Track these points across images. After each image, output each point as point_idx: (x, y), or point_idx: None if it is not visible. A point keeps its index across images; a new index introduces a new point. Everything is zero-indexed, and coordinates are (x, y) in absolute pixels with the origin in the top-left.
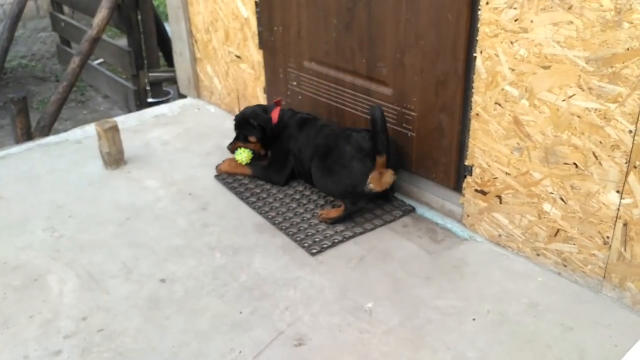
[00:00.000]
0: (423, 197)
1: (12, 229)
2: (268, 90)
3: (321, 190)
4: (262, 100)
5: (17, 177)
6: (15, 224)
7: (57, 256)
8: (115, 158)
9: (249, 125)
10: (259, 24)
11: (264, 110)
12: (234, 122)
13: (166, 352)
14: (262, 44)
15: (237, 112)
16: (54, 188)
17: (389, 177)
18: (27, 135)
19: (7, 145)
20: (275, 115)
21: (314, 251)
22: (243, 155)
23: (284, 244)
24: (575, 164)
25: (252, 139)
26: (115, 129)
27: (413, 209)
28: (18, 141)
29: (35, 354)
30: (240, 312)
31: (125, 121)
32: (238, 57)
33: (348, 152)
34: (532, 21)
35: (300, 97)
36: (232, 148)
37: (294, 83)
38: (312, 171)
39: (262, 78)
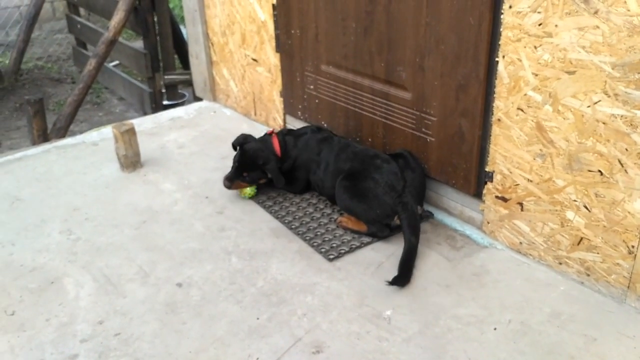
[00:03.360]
0: (442, 203)
1: (29, 231)
2: (284, 93)
3: (346, 211)
4: (278, 103)
5: (34, 178)
6: (32, 226)
7: (73, 259)
8: (131, 161)
9: (257, 166)
10: (276, 27)
11: (262, 142)
12: (234, 160)
13: (183, 358)
14: (279, 47)
15: (253, 116)
16: (71, 190)
17: None
18: (44, 136)
19: (23, 146)
20: (276, 145)
21: (332, 257)
22: (247, 191)
23: (301, 249)
24: (600, 171)
25: (262, 180)
26: (132, 131)
27: (432, 215)
28: (34, 143)
29: (52, 357)
30: (258, 318)
31: (142, 124)
32: (255, 60)
33: (381, 186)
34: (556, 25)
35: (317, 101)
36: (233, 187)
37: (311, 87)
38: (338, 191)
39: (279, 81)
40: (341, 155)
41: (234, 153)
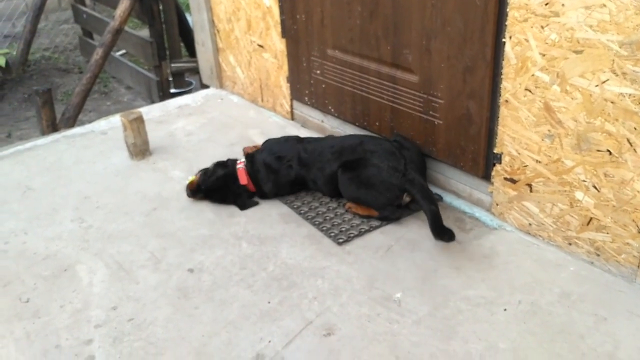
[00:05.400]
0: (450, 185)
1: (41, 220)
2: (291, 79)
3: (355, 202)
4: (284, 89)
5: (45, 168)
6: (44, 215)
7: (86, 246)
8: (140, 149)
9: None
10: (282, 13)
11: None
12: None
13: (196, 342)
14: (285, 33)
15: (260, 102)
16: (81, 179)
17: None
18: (53, 126)
19: (33, 136)
20: (242, 178)
21: (341, 241)
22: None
23: (310, 233)
24: (608, 150)
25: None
26: (140, 120)
27: (440, 198)
28: (44, 133)
29: (67, 343)
30: (269, 302)
31: (150, 112)
32: (261, 46)
33: (384, 170)
34: (563, 5)
35: (324, 86)
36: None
37: (318, 72)
38: (342, 184)
39: (285, 67)
40: (322, 157)
41: (242, 140)
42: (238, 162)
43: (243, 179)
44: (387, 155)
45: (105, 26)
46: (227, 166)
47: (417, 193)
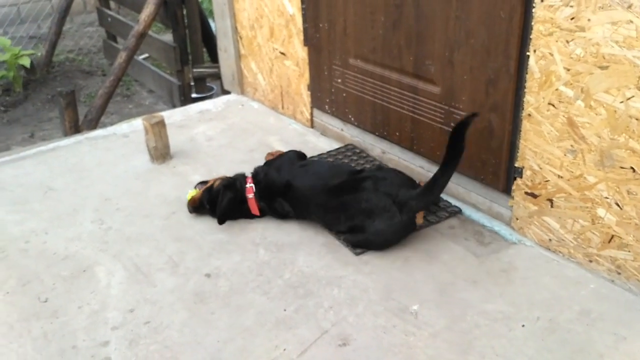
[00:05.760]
0: (470, 198)
1: (62, 220)
2: (312, 87)
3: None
4: (305, 97)
5: (67, 169)
6: (64, 215)
7: (105, 248)
8: (161, 152)
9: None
10: (305, 21)
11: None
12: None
13: (211, 347)
14: (307, 41)
15: (280, 109)
16: (102, 181)
17: (419, 218)
18: (75, 128)
19: (55, 137)
20: (254, 209)
21: (358, 251)
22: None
23: (327, 242)
24: (632, 168)
25: None
26: (162, 123)
27: (459, 211)
28: (66, 134)
29: (84, 344)
30: (285, 310)
31: (171, 116)
32: (282, 53)
33: (384, 222)
34: (589, 20)
35: (344, 95)
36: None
37: (339, 80)
38: (348, 245)
39: (307, 75)
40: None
41: (261, 146)
42: (248, 184)
43: (255, 209)
44: (376, 199)
45: (129, 30)
46: (235, 188)
47: (417, 209)
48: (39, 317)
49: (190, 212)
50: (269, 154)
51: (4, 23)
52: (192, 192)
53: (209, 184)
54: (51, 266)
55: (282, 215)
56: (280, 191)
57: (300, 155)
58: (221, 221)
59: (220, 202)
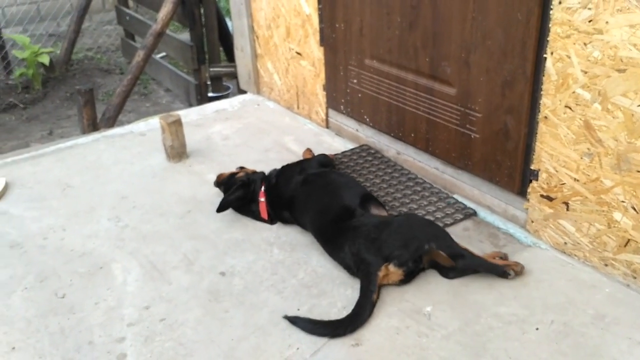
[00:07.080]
0: (485, 200)
1: (79, 217)
2: (328, 87)
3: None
4: (321, 97)
5: (84, 166)
6: (82, 213)
7: (121, 245)
8: (177, 151)
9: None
10: (321, 21)
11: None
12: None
13: (225, 345)
14: (323, 41)
15: (295, 109)
16: (119, 179)
17: (395, 277)
18: (93, 126)
19: (74, 135)
20: (263, 212)
21: None
22: None
23: None
24: None
25: None
26: (178, 122)
27: (474, 213)
28: (84, 131)
29: (100, 340)
30: (298, 309)
31: (187, 115)
32: (299, 53)
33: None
34: (607, 22)
35: (360, 96)
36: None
37: (354, 81)
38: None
39: (322, 75)
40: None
41: (276, 146)
42: (261, 189)
43: (264, 214)
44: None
45: (147, 28)
46: (248, 189)
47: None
48: (56, 313)
49: (215, 186)
50: (304, 151)
51: (23, 21)
52: (225, 172)
53: (238, 172)
54: (68, 263)
55: (289, 222)
56: (286, 204)
57: (323, 163)
58: (219, 210)
59: (228, 195)
